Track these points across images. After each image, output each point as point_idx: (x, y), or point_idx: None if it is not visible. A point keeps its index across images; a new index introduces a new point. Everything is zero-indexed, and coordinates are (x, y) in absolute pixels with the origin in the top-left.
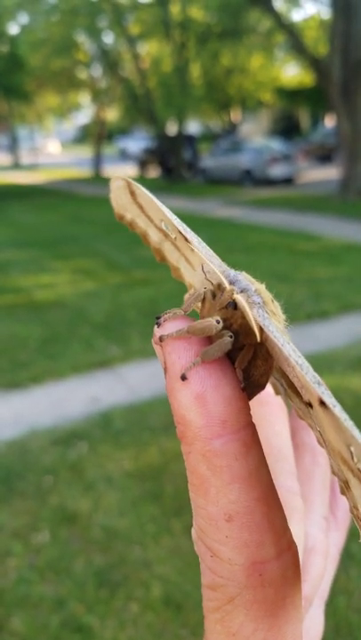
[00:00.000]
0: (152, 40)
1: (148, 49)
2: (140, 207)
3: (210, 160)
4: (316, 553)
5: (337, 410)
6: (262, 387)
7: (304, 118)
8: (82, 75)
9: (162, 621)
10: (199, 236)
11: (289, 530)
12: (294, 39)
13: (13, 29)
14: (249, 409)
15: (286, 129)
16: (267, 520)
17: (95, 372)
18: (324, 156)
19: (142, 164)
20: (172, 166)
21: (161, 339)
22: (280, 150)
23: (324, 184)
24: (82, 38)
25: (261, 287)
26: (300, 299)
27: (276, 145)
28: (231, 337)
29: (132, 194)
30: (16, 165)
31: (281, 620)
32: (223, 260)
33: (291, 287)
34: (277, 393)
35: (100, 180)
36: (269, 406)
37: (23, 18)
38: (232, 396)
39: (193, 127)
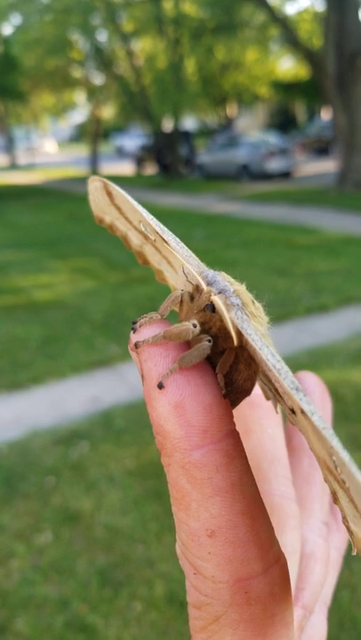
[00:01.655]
0: (146, 37)
1: (142, 46)
2: (119, 209)
3: (207, 156)
4: (316, 560)
5: (315, 418)
6: (247, 392)
7: (300, 111)
8: (76, 73)
9: (166, 619)
10: (197, 233)
11: (277, 542)
12: (288, 32)
13: (7, 30)
14: (231, 416)
15: (283, 122)
16: (252, 534)
17: (95, 371)
18: (321, 149)
19: (139, 161)
20: (168, 163)
21: (136, 345)
22: (277, 144)
23: (321, 177)
24: (76, 37)
25: (241, 288)
26: (299, 293)
27: (273, 139)
28: (210, 341)
29: (110, 195)
30: (13, 166)
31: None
32: (221, 256)
33: (290, 281)
34: (268, 398)
35: None
36: (262, 409)
37: (16, 18)
38: (212, 404)
39: (189, 123)
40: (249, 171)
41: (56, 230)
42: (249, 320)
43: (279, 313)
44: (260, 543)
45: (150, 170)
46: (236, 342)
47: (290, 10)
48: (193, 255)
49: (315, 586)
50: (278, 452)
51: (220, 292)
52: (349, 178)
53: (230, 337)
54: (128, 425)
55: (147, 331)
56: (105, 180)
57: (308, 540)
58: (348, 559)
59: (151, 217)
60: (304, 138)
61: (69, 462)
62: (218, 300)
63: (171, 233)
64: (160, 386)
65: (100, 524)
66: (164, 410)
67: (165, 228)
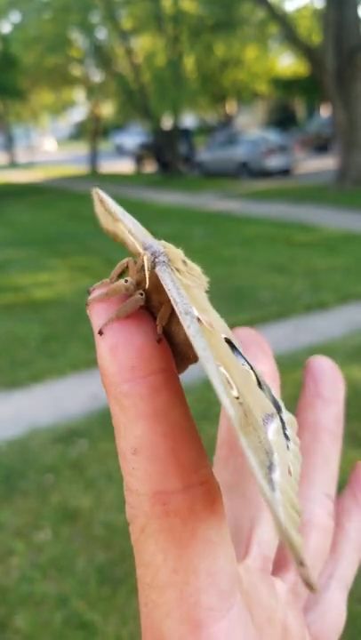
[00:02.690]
0: (145, 34)
1: (141, 43)
2: (112, 215)
3: (206, 153)
4: (312, 527)
5: (191, 330)
6: None
7: (300, 108)
8: (76, 71)
9: None
10: (196, 231)
11: (206, 469)
12: (288, 29)
13: (5, 28)
14: (165, 359)
15: (282, 120)
16: (171, 454)
17: (95, 369)
18: (321, 146)
19: (138, 159)
20: (168, 161)
21: (87, 304)
22: (276, 141)
23: (321, 174)
24: (75, 35)
25: (174, 251)
26: (298, 290)
27: (273, 136)
28: (142, 294)
29: (102, 202)
30: (12, 164)
31: (191, 552)
32: (221, 254)
33: (289, 279)
34: None
35: (96, 177)
36: None
37: (15, 16)
38: (143, 346)
39: (188, 121)
40: (248, 168)
41: (55, 228)
42: (171, 272)
43: (278, 311)
44: (180, 463)
45: (150, 168)
46: (148, 285)
47: (289, 7)
48: (143, 230)
49: (312, 555)
50: None
51: (152, 254)
52: (349, 175)
53: (161, 291)
54: None
55: (96, 291)
56: (97, 189)
57: (306, 509)
58: None
59: (114, 202)
60: (303, 135)
61: (68, 460)
62: (145, 259)
63: (131, 217)
64: (100, 333)
65: (98, 522)
66: (102, 351)
67: (128, 213)
